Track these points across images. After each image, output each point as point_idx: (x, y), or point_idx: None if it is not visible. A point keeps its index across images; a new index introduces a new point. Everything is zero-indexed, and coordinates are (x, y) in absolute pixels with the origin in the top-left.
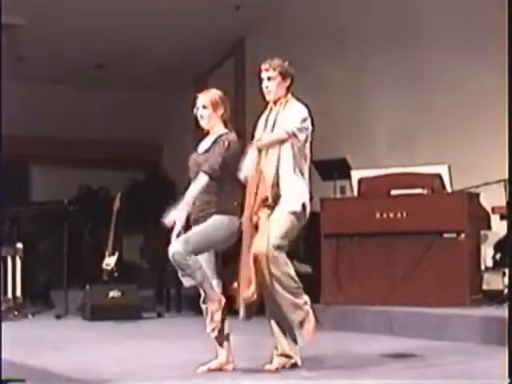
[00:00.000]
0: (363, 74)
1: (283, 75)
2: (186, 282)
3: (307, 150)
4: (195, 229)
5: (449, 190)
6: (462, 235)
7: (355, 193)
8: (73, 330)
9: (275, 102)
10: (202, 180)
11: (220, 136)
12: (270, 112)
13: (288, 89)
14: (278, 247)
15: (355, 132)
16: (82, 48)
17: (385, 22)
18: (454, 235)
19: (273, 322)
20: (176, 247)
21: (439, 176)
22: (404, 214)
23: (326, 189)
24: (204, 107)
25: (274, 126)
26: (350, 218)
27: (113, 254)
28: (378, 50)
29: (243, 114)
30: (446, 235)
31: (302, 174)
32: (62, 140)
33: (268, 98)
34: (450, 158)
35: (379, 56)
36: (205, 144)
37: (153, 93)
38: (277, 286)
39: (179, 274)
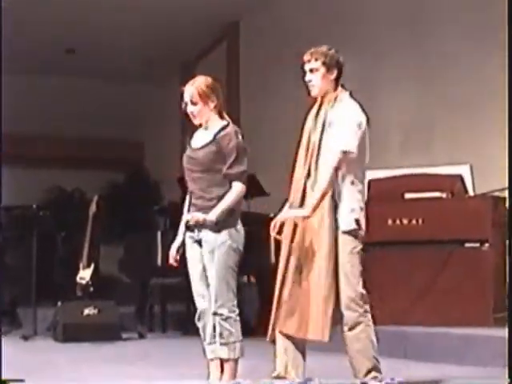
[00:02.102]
0: (375, 67)
1: (328, 66)
2: (212, 353)
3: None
4: (213, 270)
5: (471, 193)
6: (486, 245)
7: (365, 196)
8: (42, 352)
9: (323, 97)
10: (239, 188)
11: (220, 130)
12: (319, 108)
13: (336, 81)
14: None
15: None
16: (51, 32)
17: (398, 15)
18: (477, 245)
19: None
20: (219, 309)
21: (460, 177)
22: (420, 221)
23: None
24: (192, 103)
25: (323, 130)
26: None
27: (88, 265)
28: (390, 43)
29: (237, 105)
30: (467, 245)
31: (356, 180)
32: (28, 136)
33: (313, 93)
34: (471, 157)
35: (391, 50)
36: (201, 139)
37: (133, 83)
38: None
39: (205, 343)
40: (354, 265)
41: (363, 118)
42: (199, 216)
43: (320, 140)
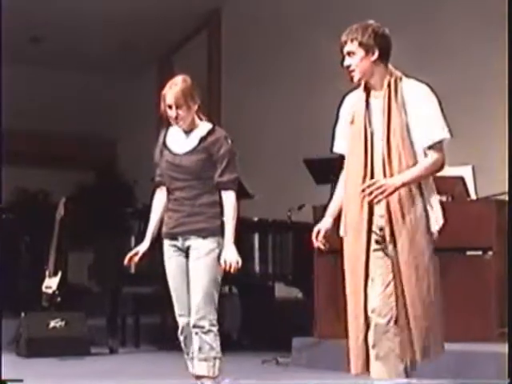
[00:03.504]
0: None
1: (366, 46)
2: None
3: None
4: (203, 275)
5: (473, 196)
6: (490, 253)
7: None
8: (3, 368)
9: (367, 83)
10: (233, 200)
11: (207, 135)
12: (368, 96)
13: (383, 62)
14: None
15: None
16: (15, 19)
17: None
18: (480, 253)
19: None
20: (200, 321)
21: (461, 179)
22: None
23: (320, 194)
24: (177, 106)
25: (389, 118)
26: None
27: (55, 273)
28: (392, 27)
29: (218, 97)
30: (469, 252)
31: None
32: None
33: (354, 80)
34: (474, 158)
35: (394, 33)
36: (184, 143)
37: (105, 75)
38: None
39: (188, 357)
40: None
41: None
42: (237, 262)
43: (388, 129)
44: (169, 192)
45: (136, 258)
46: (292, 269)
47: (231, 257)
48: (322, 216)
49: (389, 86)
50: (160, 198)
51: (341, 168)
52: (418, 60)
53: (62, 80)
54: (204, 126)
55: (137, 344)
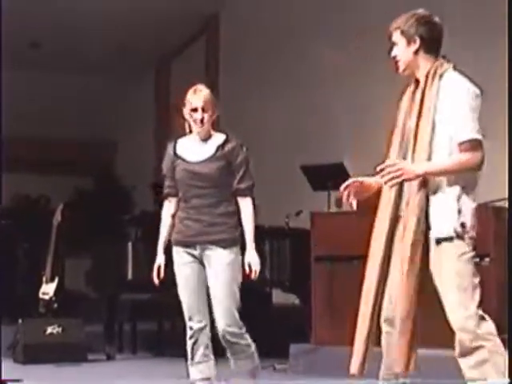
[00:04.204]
0: (367, 62)
1: (407, 35)
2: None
3: None
4: (225, 285)
5: None
6: (487, 260)
7: (354, 206)
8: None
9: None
10: (251, 207)
11: (224, 143)
12: (416, 88)
13: (427, 53)
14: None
15: (355, 131)
16: (14, 24)
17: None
18: (477, 260)
19: None
20: (226, 327)
21: None
22: None
23: (317, 201)
24: (205, 110)
25: (420, 114)
26: (347, 236)
27: (52, 280)
28: (385, 33)
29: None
30: None
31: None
32: None
33: (400, 71)
34: None
35: (386, 39)
36: (200, 151)
37: (104, 78)
38: None
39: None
40: None
41: (477, 99)
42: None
43: (417, 126)
44: (184, 201)
45: (161, 273)
46: (289, 275)
47: (255, 262)
48: (320, 222)
49: (426, 79)
50: (170, 210)
51: (337, 175)
52: None
53: (61, 83)
54: (219, 135)
55: (134, 350)
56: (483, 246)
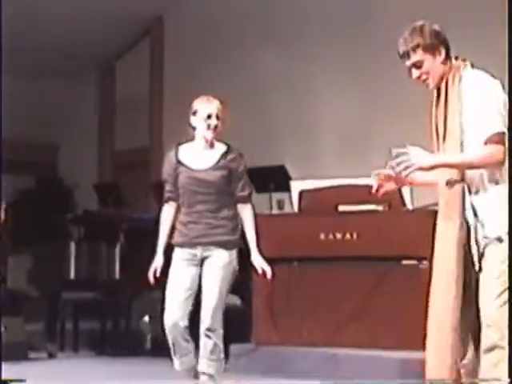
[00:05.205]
0: (308, 67)
1: (430, 48)
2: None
3: None
4: (219, 281)
5: (409, 206)
6: (425, 262)
7: (295, 208)
8: None
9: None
10: (252, 212)
11: (227, 153)
12: (438, 90)
13: (447, 56)
14: None
15: (297, 134)
16: None
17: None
18: (415, 262)
19: None
20: (214, 325)
21: (398, 189)
22: (354, 235)
23: (259, 203)
24: (218, 118)
25: (445, 119)
26: (288, 238)
27: None
28: (325, 38)
29: (160, 106)
30: (405, 262)
31: None
32: None
33: (431, 88)
34: None
35: (327, 44)
36: (203, 159)
37: (46, 80)
38: None
39: (206, 357)
40: None
41: (502, 93)
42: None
43: (445, 128)
44: (188, 206)
45: (158, 274)
46: None
47: (263, 263)
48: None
49: (446, 84)
50: (170, 213)
51: (279, 177)
52: (358, 73)
53: (3, 85)
54: (221, 145)
55: (75, 349)
56: (421, 249)
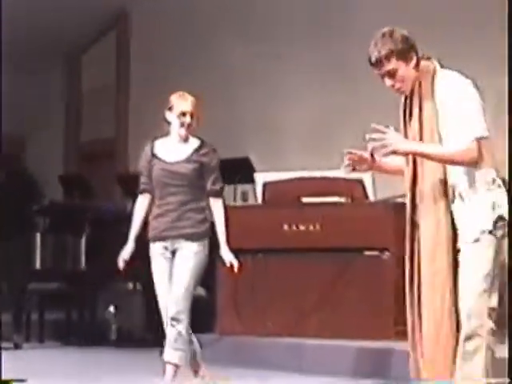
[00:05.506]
0: (275, 61)
1: (402, 55)
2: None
3: None
4: (187, 271)
5: (371, 198)
6: (387, 253)
7: (259, 200)
8: None
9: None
10: (222, 206)
11: (200, 147)
12: (410, 98)
13: (417, 62)
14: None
15: (261, 127)
16: None
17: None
18: (377, 253)
19: None
20: (179, 314)
21: (361, 182)
22: (317, 227)
23: (224, 194)
24: (192, 116)
25: (421, 124)
26: (252, 230)
27: None
28: (293, 33)
29: (126, 98)
30: (367, 253)
31: None
32: None
33: (406, 93)
34: None
35: (294, 40)
36: (176, 152)
37: (12, 74)
38: None
39: (170, 346)
40: None
41: (472, 89)
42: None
43: (421, 130)
44: (159, 198)
45: (127, 258)
46: None
47: (231, 257)
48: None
49: (419, 88)
50: (143, 204)
51: (243, 169)
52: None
53: None
54: (195, 140)
55: (41, 339)
56: (383, 241)
